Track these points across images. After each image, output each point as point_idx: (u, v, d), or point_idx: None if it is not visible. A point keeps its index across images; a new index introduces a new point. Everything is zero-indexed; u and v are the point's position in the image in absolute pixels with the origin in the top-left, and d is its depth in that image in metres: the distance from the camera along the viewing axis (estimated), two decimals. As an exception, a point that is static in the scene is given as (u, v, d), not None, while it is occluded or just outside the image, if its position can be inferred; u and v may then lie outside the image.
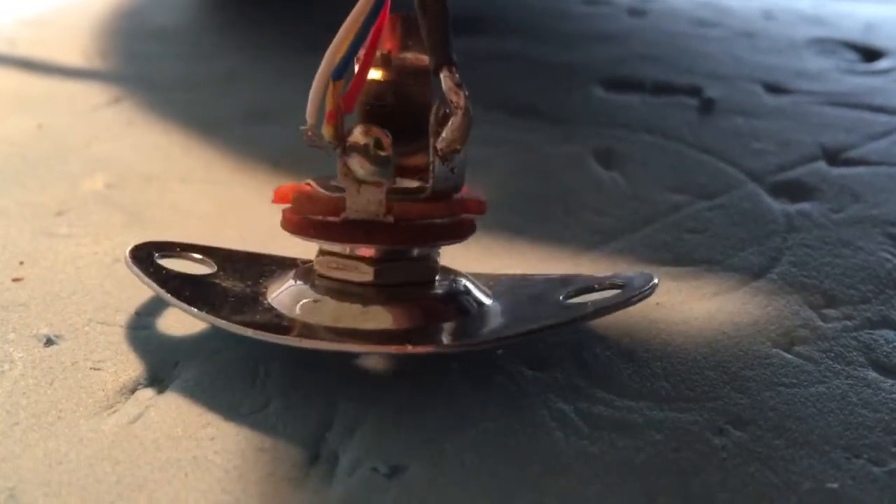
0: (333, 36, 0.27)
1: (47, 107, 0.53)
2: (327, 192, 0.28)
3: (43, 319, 0.31)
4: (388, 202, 0.27)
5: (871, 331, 0.32)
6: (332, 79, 0.27)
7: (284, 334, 0.27)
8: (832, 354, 0.31)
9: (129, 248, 0.32)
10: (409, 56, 0.29)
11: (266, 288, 0.31)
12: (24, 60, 0.62)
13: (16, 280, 0.34)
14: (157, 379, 0.29)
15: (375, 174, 0.27)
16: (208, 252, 0.33)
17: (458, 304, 0.29)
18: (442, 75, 0.26)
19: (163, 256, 0.32)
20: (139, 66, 0.63)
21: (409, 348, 0.26)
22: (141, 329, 0.31)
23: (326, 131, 0.27)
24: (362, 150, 0.27)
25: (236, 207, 0.41)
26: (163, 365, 0.29)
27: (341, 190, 0.28)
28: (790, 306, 0.34)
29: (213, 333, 0.30)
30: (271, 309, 0.29)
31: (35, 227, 0.38)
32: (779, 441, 0.26)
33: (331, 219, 0.28)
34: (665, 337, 0.31)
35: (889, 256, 0.38)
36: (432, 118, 0.27)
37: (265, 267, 0.33)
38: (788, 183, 0.45)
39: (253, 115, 0.53)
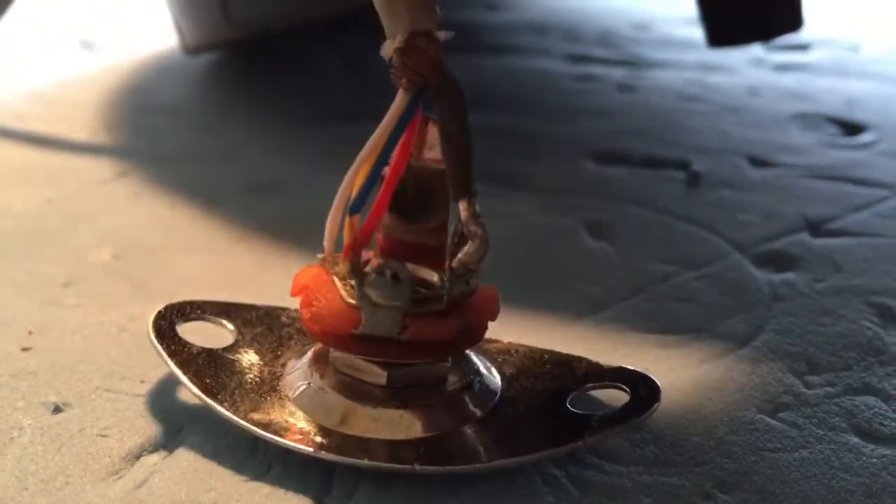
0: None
1: (56, 181, 0.55)
2: (347, 304, 0.28)
3: (51, 387, 0.32)
4: (403, 320, 0.27)
5: (852, 397, 0.33)
6: (349, 214, 0.27)
7: (296, 440, 0.28)
8: (815, 420, 0.32)
9: (153, 317, 0.32)
10: (430, 159, 0.29)
11: (283, 366, 0.31)
12: (32, 136, 0.64)
13: (25, 349, 0.35)
14: (162, 445, 0.29)
15: (392, 299, 0.27)
16: (226, 312, 0.34)
17: (468, 404, 0.30)
18: (461, 205, 0.27)
19: (185, 320, 0.33)
20: (145, 140, 0.64)
21: (416, 468, 0.27)
22: (146, 396, 0.32)
23: (343, 266, 0.27)
24: (379, 283, 0.27)
25: (239, 277, 0.42)
26: (167, 431, 0.30)
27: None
28: (774, 373, 0.35)
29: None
30: (285, 399, 0.30)
31: (44, 298, 0.39)
32: (763, 504, 0.27)
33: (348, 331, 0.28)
34: (653, 403, 0.32)
35: (870, 325, 0.39)
36: (450, 239, 0.27)
37: (284, 329, 0.34)
38: (773, 253, 0.46)
39: (255, 188, 0.54)
